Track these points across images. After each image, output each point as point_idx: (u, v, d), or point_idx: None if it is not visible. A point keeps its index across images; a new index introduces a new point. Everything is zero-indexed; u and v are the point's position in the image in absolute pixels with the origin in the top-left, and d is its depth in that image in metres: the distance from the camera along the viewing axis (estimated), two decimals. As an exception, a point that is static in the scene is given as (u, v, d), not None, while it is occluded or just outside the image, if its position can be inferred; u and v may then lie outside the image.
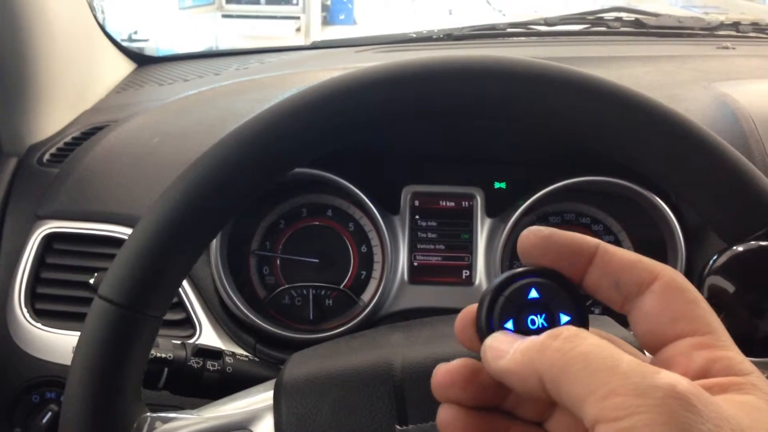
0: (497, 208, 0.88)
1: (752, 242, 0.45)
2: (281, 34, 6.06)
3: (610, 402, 0.25)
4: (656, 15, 1.37)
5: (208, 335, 0.81)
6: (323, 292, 0.88)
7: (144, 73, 1.33)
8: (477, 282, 0.87)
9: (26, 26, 0.95)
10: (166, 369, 0.62)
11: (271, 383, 0.51)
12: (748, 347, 0.30)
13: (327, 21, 7.36)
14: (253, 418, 0.49)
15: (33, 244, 0.85)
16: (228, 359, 0.67)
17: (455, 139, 0.87)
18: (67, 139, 1.01)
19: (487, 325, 0.32)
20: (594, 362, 0.26)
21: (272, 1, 6.49)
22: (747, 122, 0.84)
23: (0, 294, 0.84)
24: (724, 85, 0.94)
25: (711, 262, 0.46)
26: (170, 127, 0.96)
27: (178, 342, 0.65)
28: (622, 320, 0.52)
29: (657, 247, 0.84)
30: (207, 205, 0.48)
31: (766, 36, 1.34)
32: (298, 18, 6.35)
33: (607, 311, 0.74)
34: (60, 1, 1.04)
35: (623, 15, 1.38)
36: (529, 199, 0.83)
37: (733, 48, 1.23)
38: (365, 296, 0.88)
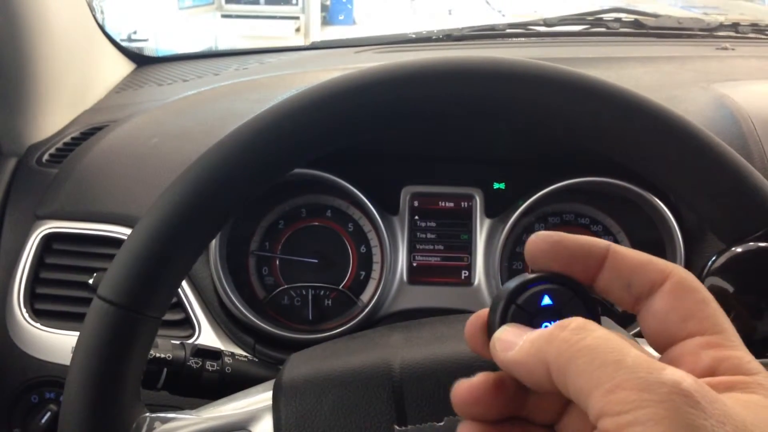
0: (496, 209, 0.88)
1: (751, 243, 0.45)
2: (280, 34, 6.06)
3: (615, 396, 0.25)
4: (655, 16, 1.38)
5: (207, 335, 0.81)
6: (322, 293, 0.88)
7: (143, 74, 1.33)
8: (476, 282, 0.87)
9: (26, 26, 0.95)
10: (165, 369, 0.62)
11: (270, 383, 0.51)
12: (746, 347, 0.30)
13: (326, 21, 7.37)
14: (252, 418, 0.49)
15: (32, 244, 0.85)
16: (227, 359, 0.67)
17: (455, 140, 0.87)
18: (67, 139, 1.01)
19: None
20: (600, 355, 0.26)
21: (271, 1, 6.50)
22: (746, 123, 0.84)
23: (-1, 294, 0.84)
24: (723, 86, 0.94)
25: (710, 263, 0.46)
26: (170, 128, 0.96)
27: (177, 342, 0.65)
28: (623, 321, 0.52)
29: (656, 248, 0.84)
30: (206, 205, 0.48)
31: (765, 37, 1.34)
32: (297, 18, 6.36)
33: (606, 312, 0.74)
34: (59, 2, 1.04)
35: (622, 16, 1.38)
36: (528, 199, 0.83)
37: (733, 49, 1.23)
38: (364, 296, 0.88)
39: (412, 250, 0.88)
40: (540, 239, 0.33)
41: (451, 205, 0.89)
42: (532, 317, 0.32)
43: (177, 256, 0.48)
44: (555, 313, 0.31)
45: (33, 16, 0.96)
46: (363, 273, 0.89)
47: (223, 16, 6.30)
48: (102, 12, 1.35)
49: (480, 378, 0.32)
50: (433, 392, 0.46)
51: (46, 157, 0.97)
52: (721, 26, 1.34)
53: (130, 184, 0.87)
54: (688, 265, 0.82)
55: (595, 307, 0.32)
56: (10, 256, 0.86)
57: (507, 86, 0.49)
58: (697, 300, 0.30)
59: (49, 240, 0.85)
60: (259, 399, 0.50)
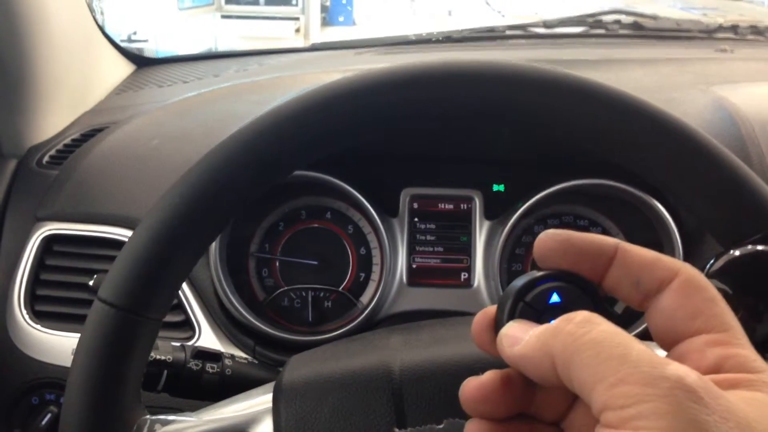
0: (496, 211, 0.88)
1: (749, 246, 0.46)
2: (280, 35, 6.06)
3: (618, 390, 0.25)
4: (655, 17, 1.38)
5: (208, 337, 0.81)
6: (322, 294, 0.88)
7: (143, 75, 1.33)
8: (475, 284, 0.87)
9: (26, 28, 0.96)
10: (165, 371, 0.62)
11: (270, 386, 0.51)
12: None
13: (326, 22, 7.37)
14: (253, 420, 0.49)
15: (32, 246, 0.85)
16: (227, 361, 0.67)
17: (454, 142, 0.88)
18: (67, 140, 1.01)
19: None
20: (605, 350, 0.27)
21: (271, 1, 6.50)
22: (745, 126, 0.84)
23: (-1, 296, 0.84)
24: (722, 89, 0.94)
25: (708, 265, 0.46)
26: (170, 129, 0.96)
27: (178, 344, 0.65)
28: (623, 323, 0.52)
29: (655, 250, 0.84)
30: (207, 207, 0.48)
31: (764, 39, 1.34)
32: (297, 19, 6.36)
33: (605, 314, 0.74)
34: (59, 3, 1.04)
35: (622, 17, 1.38)
36: (527, 201, 0.83)
37: (732, 51, 1.23)
38: (364, 298, 0.88)
39: (411, 252, 0.88)
40: (549, 237, 0.33)
41: (451, 207, 0.89)
42: (540, 314, 0.32)
43: (178, 258, 0.48)
44: (563, 311, 0.31)
45: (33, 18, 0.97)
46: (363, 275, 0.89)
47: (223, 16, 6.30)
48: (102, 13, 1.35)
49: (488, 375, 0.32)
50: (432, 394, 0.46)
51: (46, 158, 0.97)
52: (721, 28, 1.34)
53: (131, 186, 0.87)
54: (688, 266, 0.82)
55: (603, 305, 0.32)
56: (10, 258, 0.86)
57: (507, 89, 0.49)
58: (705, 298, 0.30)
59: (49, 242, 0.85)
60: (259, 401, 0.50)
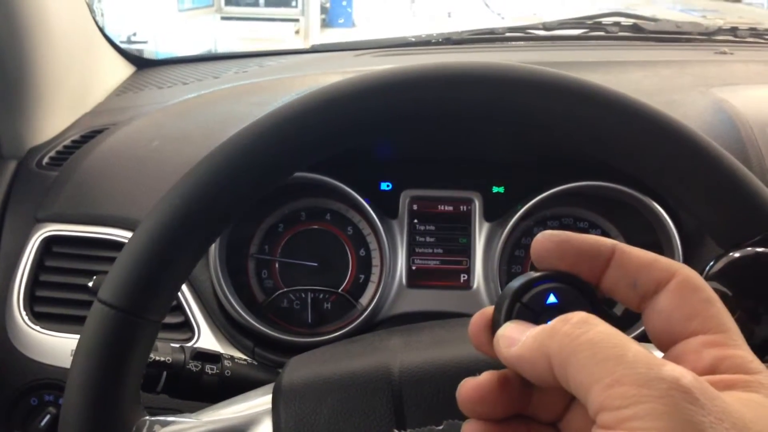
0: (495, 213, 0.88)
1: (749, 248, 0.46)
2: (280, 36, 6.07)
3: (615, 391, 0.25)
4: (654, 20, 1.38)
5: (207, 339, 0.81)
6: (322, 296, 0.88)
7: (143, 76, 1.33)
8: (475, 286, 0.87)
9: (26, 29, 0.96)
10: (164, 372, 0.62)
11: (270, 387, 0.51)
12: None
13: (326, 24, 7.38)
14: (252, 422, 0.49)
15: (32, 247, 0.85)
16: (226, 363, 0.67)
17: (454, 144, 0.88)
18: (67, 142, 1.01)
19: None
20: (601, 350, 0.27)
21: (271, 3, 6.50)
22: (744, 128, 0.84)
23: (-1, 297, 0.84)
24: (722, 91, 0.94)
25: (708, 267, 0.46)
26: (170, 131, 0.96)
27: (177, 345, 0.65)
28: (622, 324, 0.52)
29: (654, 252, 0.84)
30: (207, 209, 0.48)
31: (764, 41, 1.34)
32: (297, 20, 6.36)
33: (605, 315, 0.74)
34: (60, 4, 1.04)
35: (622, 20, 1.38)
36: (527, 203, 0.83)
37: (731, 53, 1.23)
38: (363, 300, 0.88)
39: (411, 253, 0.88)
40: (546, 238, 0.33)
41: (451, 208, 0.89)
42: (537, 315, 0.32)
43: (177, 259, 0.48)
44: (560, 312, 0.31)
45: (33, 19, 0.97)
46: (362, 276, 0.89)
47: (223, 18, 6.30)
48: (102, 14, 1.35)
49: (485, 376, 0.32)
50: (432, 396, 0.46)
51: (46, 159, 0.97)
52: (720, 30, 1.34)
53: (131, 187, 0.88)
54: (687, 268, 0.82)
55: (601, 306, 0.32)
56: (10, 259, 0.86)
57: (508, 91, 0.49)
58: (702, 299, 0.31)
59: (49, 243, 0.85)
60: (258, 402, 0.50)
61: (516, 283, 0.33)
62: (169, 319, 0.81)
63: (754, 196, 0.47)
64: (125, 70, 1.34)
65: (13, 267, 0.84)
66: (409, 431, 0.45)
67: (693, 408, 0.25)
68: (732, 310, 0.44)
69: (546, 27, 1.34)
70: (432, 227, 0.89)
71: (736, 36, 1.33)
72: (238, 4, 6.52)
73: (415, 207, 0.89)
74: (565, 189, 0.83)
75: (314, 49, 1.49)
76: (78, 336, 0.47)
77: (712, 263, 0.47)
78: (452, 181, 0.89)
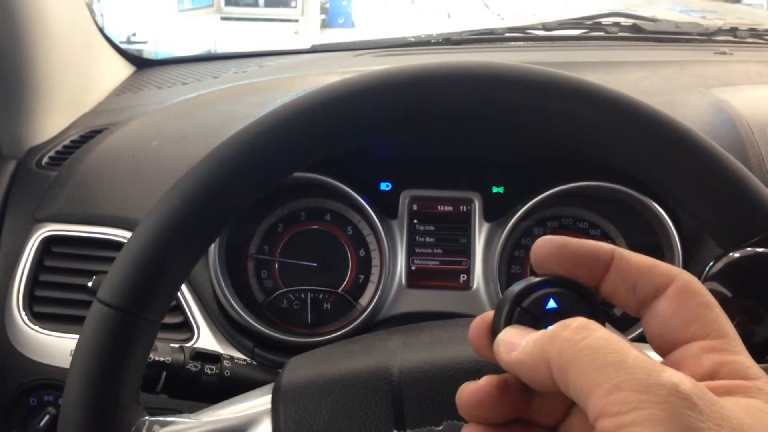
0: (495, 213, 0.88)
1: (749, 249, 0.46)
2: (280, 37, 6.07)
3: (614, 396, 0.25)
4: (654, 20, 1.38)
5: (206, 339, 0.81)
6: (321, 296, 0.88)
7: (143, 76, 1.33)
8: (474, 286, 0.87)
9: (26, 29, 0.96)
10: (164, 372, 0.62)
11: (269, 387, 0.51)
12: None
13: (325, 24, 7.38)
14: (251, 422, 0.49)
15: (31, 247, 0.85)
16: (226, 363, 0.67)
17: (454, 144, 0.88)
18: (66, 141, 1.01)
19: None
20: (601, 356, 0.27)
21: (271, 3, 6.50)
22: (744, 128, 0.84)
23: (-2, 297, 0.84)
24: (721, 91, 0.94)
25: (708, 268, 0.46)
26: (169, 131, 0.96)
27: (176, 345, 0.65)
28: (621, 326, 0.52)
29: (654, 253, 0.83)
30: (206, 208, 0.48)
31: (763, 42, 1.34)
32: (296, 21, 6.36)
33: (604, 315, 0.74)
34: (59, 4, 1.04)
35: (621, 20, 1.38)
36: (527, 203, 0.83)
37: (731, 53, 1.23)
38: (363, 300, 0.88)
39: (411, 253, 0.88)
40: (545, 243, 0.33)
41: (450, 208, 0.89)
42: (537, 320, 0.32)
43: (177, 259, 0.48)
44: (560, 316, 0.31)
45: (33, 19, 0.97)
46: (362, 276, 0.89)
47: (223, 18, 6.30)
48: (101, 14, 1.35)
49: (485, 381, 0.32)
50: (431, 396, 0.46)
51: (45, 159, 0.97)
52: (720, 31, 1.34)
53: (130, 187, 0.87)
54: (686, 270, 0.82)
55: (600, 311, 0.32)
56: (9, 259, 0.86)
57: (508, 91, 0.49)
58: (701, 304, 0.31)
59: (48, 243, 0.85)
60: (258, 403, 0.50)
61: (516, 287, 0.33)
62: (169, 319, 0.81)
63: (753, 196, 0.47)
64: (125, 70, 1.34)
65: (13, 267, 0.84)
66: None
67: (692, 414, 0.25)
68: (732, 312, 0.44)
69: (546, 27, 1.34)
70: (432, 227, 0.89)
71: (735, 36, 1.33)
72: (237, 5, 6.52)
73: (414, 207, 0.89)
74: (565, 189, 0.83)
75: (314, 50, 1.49)
76: (77, 336, 0.47)
77: (712, 263, 0.47)
78: (452, 182, 0.89)
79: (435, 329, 0.57)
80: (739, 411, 0.26)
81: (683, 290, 0.31)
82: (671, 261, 0.82)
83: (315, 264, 0.89)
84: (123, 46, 1.36)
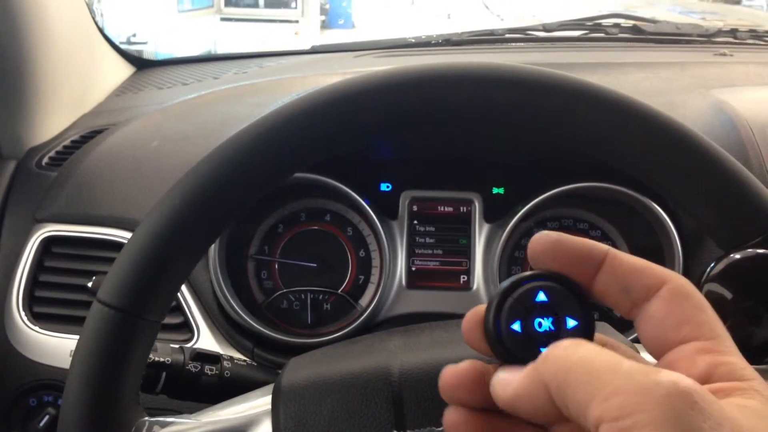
0: (495, 214, 0.88)
1: (749, 250, 0.46)
2: (280, 37, 6.07)
3: (613, 401, 0.25)
4: (654, 21, 1.38)
5: (206, 339, 0.81)
6: (321, 297, 0.88)
7: (143, 77, 1.33)
8: (475, 287, 0.87)
9: (26, 30, 0.96)
10: (164, 373, 0.62)
11: (269, 388, 0.51)
12: (744, 354, 0.31)
13: (325, 25, 7.38)
14: (251, 422, 0.49)
15: (31, 247, 0.85)
16: (226, 363, 0.67)
17: (454, 145, 0.88)
18: (66, 142, 1.01)
19: (494, 326, 0.33)
20: (595, 365, 0.27)
21: (271, 4, 6.50)
22: (744, 129, 0.85)
23: (-2, 297, 0.84)
24: (721, 92, 0.94)
25: (708, 269, 0.46)
26: (170, 131, 0.96)
27: (176, 346, 0.65)
28: (621, 327, 0.52)
29: (654, 254, 0.84)
30: (207, 209, 0.48)
31: (763, 43, 1.34)
32: (296, 22, 6.36)
33: (604, 317, 0.75)
34: (60, 5, 1.04)
35: (621, 21, 1.38)
36: (527, 204, 0.83)
37: (731, 55, 1.23)
38: (363, 301, 0.88)
39: (411, 254, 0.88)
40: (541, 238, 0.33)
41: (450, 209, 0.89)
42: (527, 312, 0.32)
43: (177, 259, 0.48)
44: (549, 310, 0.32)
45: (33, 19, 0.97)
46: (362, 277, 0.89)
47: (222, 19, 6.30)
48: (102, 15, 1.35)
49: (466, 364, 0.33)
50: (432, 397, 0.46)
51: (45, 160, 0.97)
52: (720, 32, 1.34)
53: (130, 188, 0.87)
54: (687, 272, 0.82)
55: (589, 305, 0.32)
56: (9, 259, 0.86)
57: (509, 92, 0.49)
58: (693, 306, 0.31)
59: (48, 243, 0.85)
60: (257, 403, 0.50)
61: (506, 282, 0.33)
62: (169, 320, 0.81)
63: (754, 197, 0.47)
64: (125, 70, 1.34)
65: (13, 267, 0.84)
66: (409, 432, 0.45)
67: (693, 413, 0.24)
68: (731, 314, 0.44)
69: (546, 28, 1.34)
70: (432, 228, 0.89)
71: (735, 38, 1.33)
72: (237, 6, 6.52)
73: (414, 208, 0.89)
74: (565, 190, 0.83)
75: (314, 50, 1.49)
76: (77, 336, 0.47)
77: (712, 265, 0.47)
78: (452, 182, 0.89)
79: (435, 330, 0.56)
80: (737, 412, 0.26)
81: (676, 292, 0.31)
82: (672, 262, 0.82)
83: (315, 265, 0.89)
84: (123, 46, 1.36)
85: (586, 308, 0.32)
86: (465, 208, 0.89)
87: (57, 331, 0.82)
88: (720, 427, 0.25)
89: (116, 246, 0.83)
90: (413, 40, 1.37)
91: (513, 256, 0.89)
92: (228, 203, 0.48)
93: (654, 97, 0.91)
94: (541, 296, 0.32)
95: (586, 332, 0.32)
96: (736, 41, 1.33)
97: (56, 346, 0.81)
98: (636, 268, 0.32)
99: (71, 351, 0.48)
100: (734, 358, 0.30)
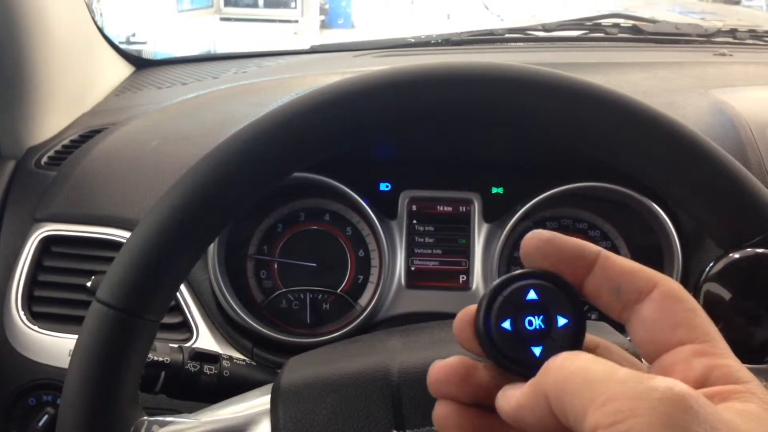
0: (494, 213, 0.88)
1: (748, 249, 0.45)
2: (279, 37, 6.07)
3: (608, 408, 0.25)
4: (653, 21, 1.38)
5: (205, 339, 0.81)
6: (320, 296, 0.88)
7: (142, 77, 1.33)
8: (474, 287, 0.87)
9: (25, 29, 0.96)
10: (163, 372, 0.62)
11: (268, 387, 0.51)
12: (743, 354, 0.30)
13: (325, 24, 7.38)
14: (250, 422, 0.49)
15: (30, 247, 0.85)
16: (225, 363, 0.67)
17: (453, 145, 0.88)
18: (66, 141, 1.01)
19: (484, 325, 0.33)
20: (591, 373, 0.27)
21: (270, 4, 6.51)
22: (744, 129, 0.85)
23: (-3, 297, 0.84)
24: (721, 92, 0.94)
25: (707, 269, 0.46)
26: (169, 131, 0.96)
27: (175, 346, 0.65)
28: (619, 327, 0.52)
29: (654, 254, 0.84)
30: (206, 209, 0.48)
31: (763, 43, 1.34)
32: (296, 21, 6.37)
33: (603, 317, 0.75)
34: (59, 5, 1.04)
35: (621, 21, 1.38)
36: (526, 204, 0.83)
37: (731, 55, 1.23)
38: (362, 300, 0.88)
39: (410, 254, 0.88)
40: (533, 237, 0.33)
41: (450, 209, 0.89)
42: (518, 310, 0.32)
43: (176, 259, 0.48)
44: (540, 308, 0.32)
45: (32, 19, 0.97)
46: (361, 277, 0.89)
47: (222, 19, 6.30)
48: (101, 15, 1.35)
49: (454, 359, 0.33)
50: (431, 397, 0.46)
51: (44, 159, 0.97)
52: (719, 32, 1.34)
53: (129, 187, 0.87)
54: (686, 272, 0.82)
55: (580, 304, 0.32)
56: (8, 259, 0.86)
57: (510, 92, 0.49)
58: (687, 309, 0.31)
59: (47, 242, 0.85)
60: (257, 403, 0.50)
61: (498, 279, 0.34)
62: (168, 320, 0.81)
63: (753, 196, 0.47)
64: (124, 70, 1.34)
65: (12, 267, 0.84)
66: (408, 432, 0.45)
67: (687, 417, 0.24)
68: (729, 313, 0.44)
69: (545, 28, 1.34)
70: (431, 228, 0.89)
71: (735, 38, 1.33)
72: (237, 5, 6.53)
73: (414, 208, 0.89)
74: (565, 190, 0.83)
75: (313, 50, 1.49)
76: (76, 336, 0.47)
77: (711, 264, 0.46)
78: (451, 182, 0.89)
79: (434, 330, 0.56)
80: (734, 416, 0.26)
81: (668, 295, 0.31)
82: (671, 262, 0.82)
83: (314, 264, 0.89)
84: (122, 46, 1.36)
85: (577, 307, 0.32)
86: (464, 208, 0.89)
87: (56, 330, 0.82)
88: (715, 431, 0.25)
89: (115, 245, 0.83)
90: (413, 40, 1.37)
91: (512, 256, 0.89)
92: (227, 203, 0.48)
93: (653, 97, 0.92)
94: (532, 294, 0.32)
95: (576, 331, 0.32)
96: (736, 41, 1.33)
97: (55, 346, 0.81)
98: (627, 269, 0.32)
99: (70, 350, 0.47)
100: (730, 360, 0.29)
